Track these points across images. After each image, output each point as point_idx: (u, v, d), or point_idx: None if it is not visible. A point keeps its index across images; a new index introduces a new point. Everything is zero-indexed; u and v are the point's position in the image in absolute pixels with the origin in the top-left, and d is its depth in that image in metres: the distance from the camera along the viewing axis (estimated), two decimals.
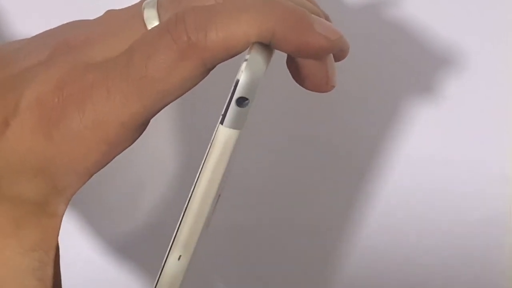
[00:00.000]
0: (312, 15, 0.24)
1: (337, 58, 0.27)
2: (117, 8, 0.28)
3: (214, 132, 0.23)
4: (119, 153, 0.25)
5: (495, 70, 0.37)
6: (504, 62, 0.36)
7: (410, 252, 0.39)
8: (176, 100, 0.25)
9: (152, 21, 0.26)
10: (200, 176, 0.23)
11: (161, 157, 0.40)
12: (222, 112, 0.23)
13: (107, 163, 0.25)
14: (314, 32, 0.24)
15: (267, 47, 0.24)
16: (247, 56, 0.23)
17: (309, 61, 0.26)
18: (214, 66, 0.24)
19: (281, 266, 0.40)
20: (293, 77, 0.27)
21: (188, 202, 0.24)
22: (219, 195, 0.25)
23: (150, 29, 0.25)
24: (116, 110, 0.24)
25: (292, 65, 0.26)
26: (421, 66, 0.38)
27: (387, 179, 0.39)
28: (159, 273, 0.24)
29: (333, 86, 0.27)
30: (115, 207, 0.41)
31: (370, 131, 0.39)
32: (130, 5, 0.28)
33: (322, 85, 0.26)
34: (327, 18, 0.28)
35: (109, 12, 0.28)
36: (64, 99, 0.24)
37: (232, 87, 0.23)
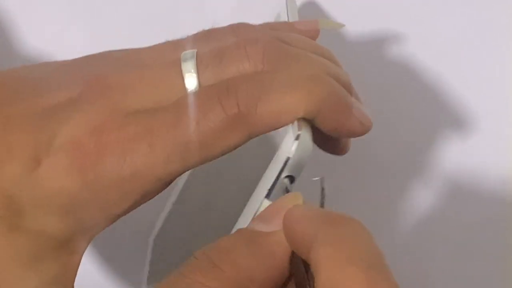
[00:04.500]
0: (352, 98, 0.26)
1: None
2: (145, 47, 0.28)
3: (259, 205, 0.24)
4: (147, 201, 0.26)
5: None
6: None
7: (409, 251, 0.41)
8: None
9: (191, 76, 0.26)
10: None
11: None
12: (269, 187, 0.24)
13: (135, 208, 0.26)
14: (353, 116, 0.26)
15: (310, 123, 0.25)
16: (299, 133, 0.24)
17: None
18: (257, 136, 0.25)
19: None
20: (314, 141, 0.28)
21: None
22: None
23: (196, 93, 0.25)
24: (156, 166, 0.25)
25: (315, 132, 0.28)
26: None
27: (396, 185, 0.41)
28: None
29: (347, 151, 0.29)
30: None
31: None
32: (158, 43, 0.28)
33: (340, 151, 0.29)
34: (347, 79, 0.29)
35: (139, 52, 0.28)
36: (101, 145, 0.25)
37: (282, 164, 0.24)
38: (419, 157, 0.40)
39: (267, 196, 0.24)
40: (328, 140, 0.28)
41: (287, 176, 0.24)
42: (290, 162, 0.24)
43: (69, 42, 0.37)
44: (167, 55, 0.27)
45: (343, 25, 0.34)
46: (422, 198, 0.41)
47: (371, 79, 0.37)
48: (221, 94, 0.25)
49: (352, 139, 0.29)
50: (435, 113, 0.39)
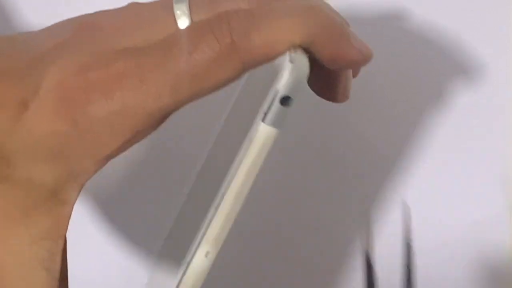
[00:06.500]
0: (349, 28, 0.25)
1: (353, 75, 0.28)
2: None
3: (256, 130, 0.23)
4: (138, 142, 0.25)
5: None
6: None
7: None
8: None
9: (183, 16, 0.25)
10: (236, 172, 0.23)
11: None
12: (265, 110, 0.23)
13: (124, 150, 0.25)
14: (351, 44, 0.25)
15: (307, 53, 0.24)
16: (292, 55, 0.23)
17: (331, 72, 0.27)
18: (251, 69, 0.24)
19: (287, 272, 0.41)
20: (311, 86, 0.28)
21: (222, 198, 0.24)
22: None
23: (188, 26, 0.25)
24: (147, 101, 0.24)
25: (313, 73, 0.27)
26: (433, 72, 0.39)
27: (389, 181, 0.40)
28: (183, 269, 0.24)
29: (347, 98, 0.28)
30: None
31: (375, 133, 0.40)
32: None
33: (339, 96, 0.28)
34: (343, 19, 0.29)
35: (133, 4, 0.28)
36: (89, 84, 0.24)
37: (277, 85, 0.23)
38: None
39: (263, 119, 0.23)
40: (327, 81, 0.27)
41: (285, 97, 0.23)
42: (285, 82, 0.23)
43: None
44: (162, 2, 0.27)
45: None
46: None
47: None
48: (213, 24, 0.24)
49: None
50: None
